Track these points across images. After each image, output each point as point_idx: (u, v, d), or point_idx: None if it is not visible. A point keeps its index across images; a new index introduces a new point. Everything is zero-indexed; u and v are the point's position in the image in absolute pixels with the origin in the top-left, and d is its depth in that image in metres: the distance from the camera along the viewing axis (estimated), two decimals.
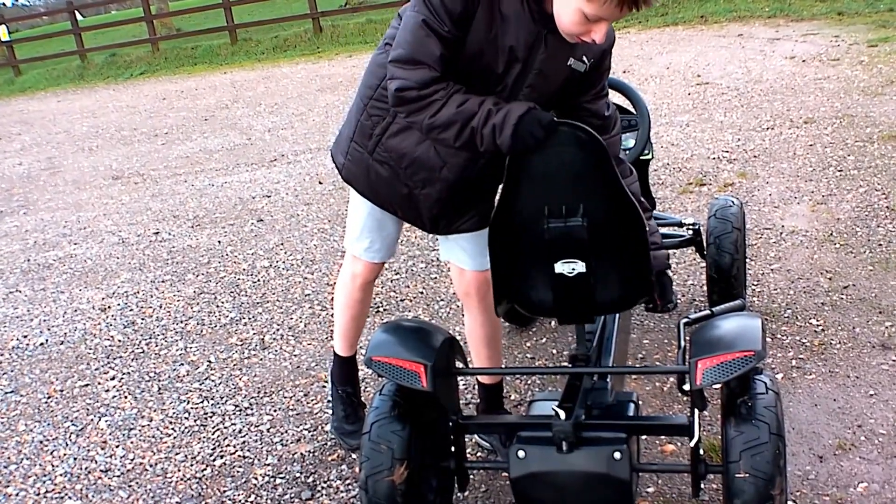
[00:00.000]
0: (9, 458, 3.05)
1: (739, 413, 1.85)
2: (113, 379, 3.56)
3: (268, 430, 3.01)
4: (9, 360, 3.88)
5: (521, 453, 2.01)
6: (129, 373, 3.59)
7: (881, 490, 2.34)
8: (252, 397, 3.26)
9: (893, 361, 2.97)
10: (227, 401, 3.26)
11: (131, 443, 3.04)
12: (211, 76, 14.42)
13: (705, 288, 3.33)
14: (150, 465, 2.89)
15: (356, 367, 2.86)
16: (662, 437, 2.66)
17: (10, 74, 18.90)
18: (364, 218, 2.47)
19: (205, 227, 5.62)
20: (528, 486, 2.02)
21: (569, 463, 1.97)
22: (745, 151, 5.67)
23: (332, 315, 3.45)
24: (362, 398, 2.90)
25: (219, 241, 5.24)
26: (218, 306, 4.20)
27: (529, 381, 3.13)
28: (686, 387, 1.93)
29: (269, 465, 2.80)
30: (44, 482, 2.87)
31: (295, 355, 3.56)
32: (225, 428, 3.07)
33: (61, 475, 2.90)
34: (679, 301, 3.59)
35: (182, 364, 3.61)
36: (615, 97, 2.91)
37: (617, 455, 1.93)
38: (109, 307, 4.37)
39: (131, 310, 4.29)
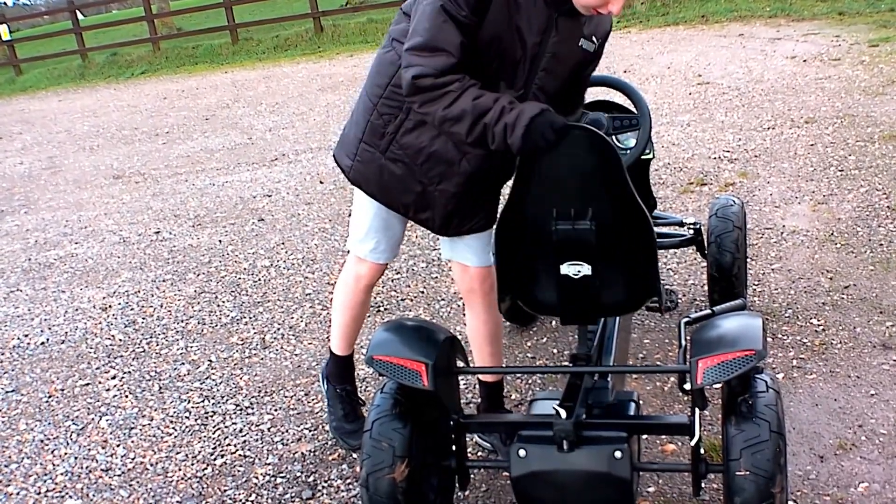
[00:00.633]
0: (10, 456, 3.05)
1: (740, 412, 1.85)
2: (114, 378, 3.56)
3: (268, 430, 3.01)
4: (10, 360, 3.88)
5: (521, 452, 2.01)
6: (129, 372, 3.60)
7: (882, 490, 2.34)
8: (253, 396, 3.26)
9: (894, 361, 2.97)
10: (227, 400, 3.26)
11: (132, 442, 3.05)
12: (212, 75, 14.42)
13: (706, 287, 3.33)
14: (151, 465, 2.89)
15: (353, 365, 2.86)
16: (663, 436, 2.66)
17: (11, 74, 18.91)
18: (371, 219, 2.47)
19: (206, 226, 5.62)
20: (528, 485, 2.02)
21: (570, 462, 1.97)
22: (746, 151, 5.67)
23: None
24: (362, 397, 2.90)
25: (220, 241, 5.24)
26: (219, 305, 4.20)
27: (530, 381, 3.13)
28: (687, 386, 1.93)
29: (269, 464, 2.80)
30: (45, 481, 2.87)
31: (296, 355, 3.57)
32: (226, 427, 3.07)
33: (62, 474, 2.90)
34: (680, 300, 3.59)
35: (183, 363, 3.62)
36: (616, 97, 2.91)
37: (618, 454, 1.93)
38: (110, 306, 4.37)
39: (132, 309, 4.29)
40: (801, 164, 5.26)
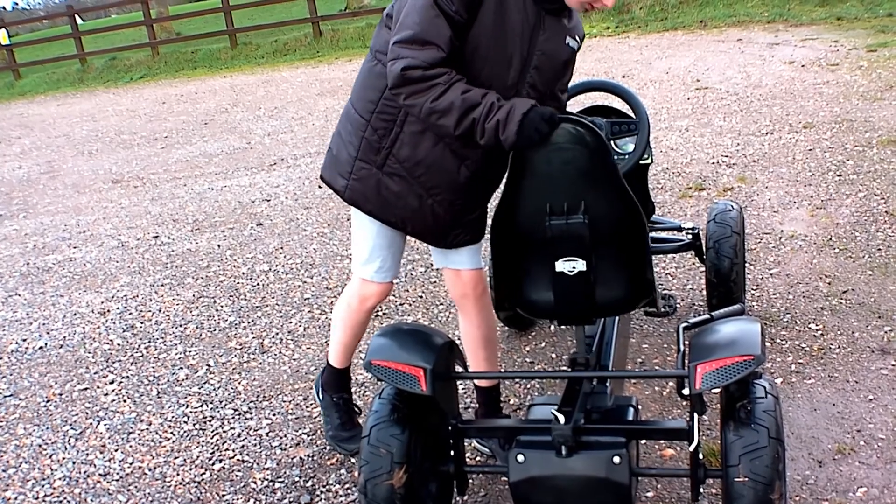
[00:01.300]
0: (7, 461, 3.05)
1: (739, 417, 1.85)
2: (112, 383, 3.55)
3: (267, 434, 3.01)
4: (8, 364, 3.88)
5: (520, 457, 2.00)
6: (128, 377, 3.59)
7: (880, 495, 2.34)
8: (251, 401, 3.26)
9: (892, 366, 2.97)
10: (226, 405, 3.26)
11: (130, 447, 3.04)
12: (211, 80, 14.43)
13: (704, 292, 3.33)
14: (149, 469, 2.88)
15: (350, 375, 2.86)
16: (662, 441, 2.66)
17: (10, 78, 18.91)
18: (373, 238, 2.44)
19: (204, 230, 5.62)
20: (527, 490, 2.02)
21: (568, 467, 1.97)
22: (745, 156, 5.68)
23: (331, 319, 3.45)
24: (361, 403, 2.90)
25: (218, 245, 5.24)
26: (217, 310, 4.20)
27: (529, 386, 3.13)
28: (685, 391, 1.93)
29: (268, 469, 2.80)
30: (42, 486, 2.87)
31: (294, 359, 3.56)
32: (224, 432, 3.06)
33: (60, 479, 2.89)
34: (678, 305, 3.59)
35: (181, 368, 3.61)
36: (615, 102, 2.92)
37: (616, 459, 1.93)
38: (108, 311, 4.37)
39: (130, 313, 4.29)
40: (799, 169, 5.27)
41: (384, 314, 3.91)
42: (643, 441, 2.62)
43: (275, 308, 4.14)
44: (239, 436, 3.02)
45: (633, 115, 2.88)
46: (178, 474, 2.84)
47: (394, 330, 2.16)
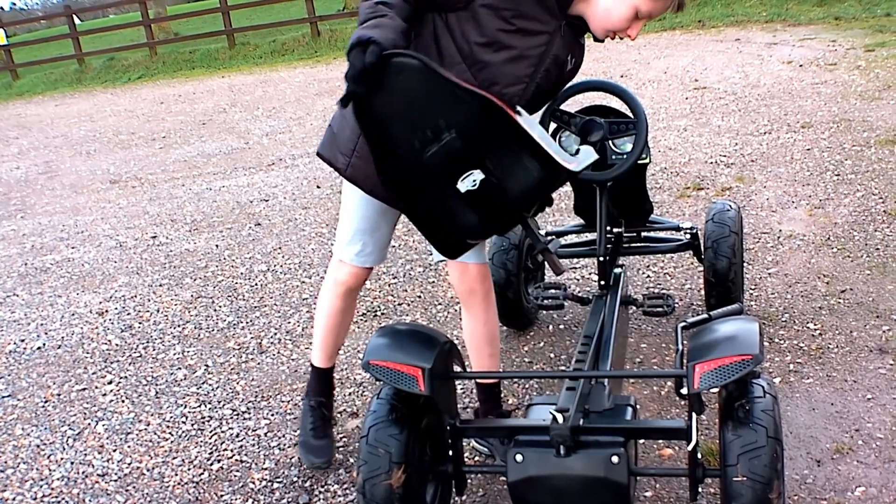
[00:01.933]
0: (6, 462, 3.04)
1: (737, 417, 1.85)
2: (110, 383, 3.55)
3: (265, 435, 3.01)
4: (6, 364, 3.87)
5: (518, 457, 2.00)
6: (126, 377, 3.59)
7: (879, 494, 2.34)
8: (249, 401, 3.26)
9: (891, 365, 2.97)
10: (224, 405, 3.26)
11: (128, 447, 3.04)
12: (209, 80, 14.43)
13: (703, 292, 3.33)
14: (148, 470, 2.88)
15: (332, 380, 2.80)
16: (660, 440, 2.66)
17: (7, 78, 18.90)
18: (358, 220, 2.43)
19: (202, 231, 5.62)
20: (525, 489, 2.01)
21: (566, 467, 1.96)
22: (743, 156, 5.68)
23: None
24: (360, 403, 2.89)
25: (216, 245, 5.24)
26: (215, 310, 4.19)
27: (527, 385, 3.13)
28: (684, 391, 1.93)
29: (266, 469, 2.80)
30: (41, 486, 2.86)
31: (292, 359, 3.56)
32: (222, 432, 3.06)
33: (58, 479, 2.89)
34: (677, 305, 3.59)
35: (179, 368, 3.61)
36: (613, 101, 2.92)
37: (615, 459, 1.93)
38: (107, 311, 4.36)
39: (129, 314, 4.29)
40: (797, 168, 5.27)
41: (382, 314, 3.91)
42: (641, 441, 2.62)
43: (273, 308, 4.14)
44: (237, 436, 3.02)
45: (631, 114, 2.88)
46: (176, 474, 2.83)
47: (392, 330, 2.16)
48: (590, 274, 4.05)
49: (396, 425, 2.02)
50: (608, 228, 2.92)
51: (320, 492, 2.64)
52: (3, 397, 3.54)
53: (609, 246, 2.81)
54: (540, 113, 2.49)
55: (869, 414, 2.71)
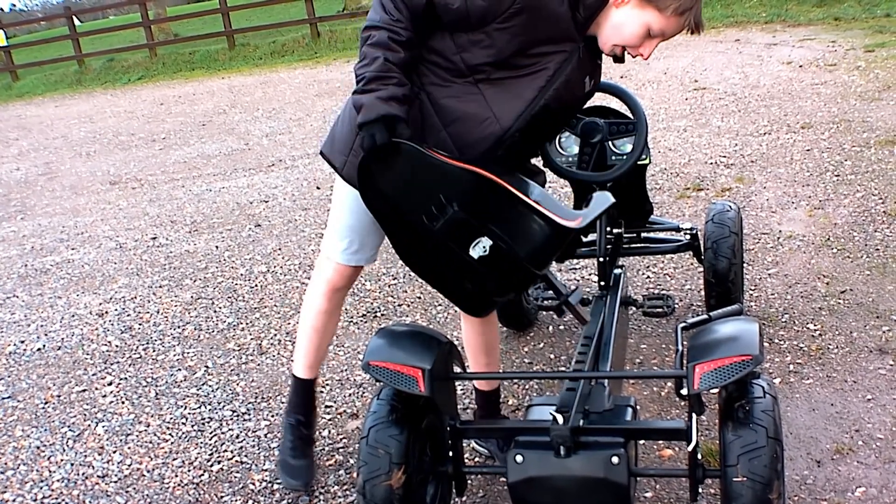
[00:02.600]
0: (6, 463, 3.04)
1: (737, 417, 1.85)
2: (110, 384, 3.55)
3: (265, 436, 3.01)
4: (6, 366, 3.87)
5: (518, 458, 2.00)
6: (126, 378, 3.59)
7: (879, 495, 2.34)
8: (249, 402, 3.26)
9: (891, 366, 2.97)
10: (224, 406, 3.26)
11: (128, 448, 3.04)
12: (209, 81, 14.43)
13: (703, 293, 3.33)
14: (148, 471, 2.88)
15: (313, 394, 2.71)
16: (660, 441, 2.66)
17: (7, 79, 18.90)
18: (347, 216, 2.39)
19: (202, 232, 5.61)
20: (525, 490, 2.01)
21: (566, 468, 1.96)
22: (743, 156, 5.68)
23: None
24: (360, 404, 2.89)
25: (216, 247, 5.24)
26: (215, 311, 4.19)
27: (527, 386, 3.13)
28: (684, 391, 1.93)
29: (266, 470, 2.80)
30: (41, 488, 2.86)
31: (293, 361, 3.55)
32: (222, 433, 3.06)
33: (58, 481, 2.89)
34: (676, 305, 3.59)
35: (179, 369, 3.61)
36: (613, 102, 2.92)
37: (615, 460, 1.93)
38: (107, 312, 4.36)
39: (129, 315, 4.29)
40: (797, 169, 5.27)
41: (382, 315, 3.91)
42: (642, 441, 2.62)
43: (273, 309, 4.14)
44: (237, 437, 3.02)
45: (630, 115, 2.88)
46: (176, 476, 2.83)
47: (392, 331, 2.16)
48: (590, 275, 4.05)
49: (396, 426, 2.02)
50: (608, 229, 2.92)
51: (320, 492, 2.63)
52: (3, 398, 3.54)
53: (609, 247, 2.81)
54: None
55: (869, 414, 2.71)
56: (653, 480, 2.50)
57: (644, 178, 3.20)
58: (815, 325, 3.31)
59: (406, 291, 4.15)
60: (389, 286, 4.23)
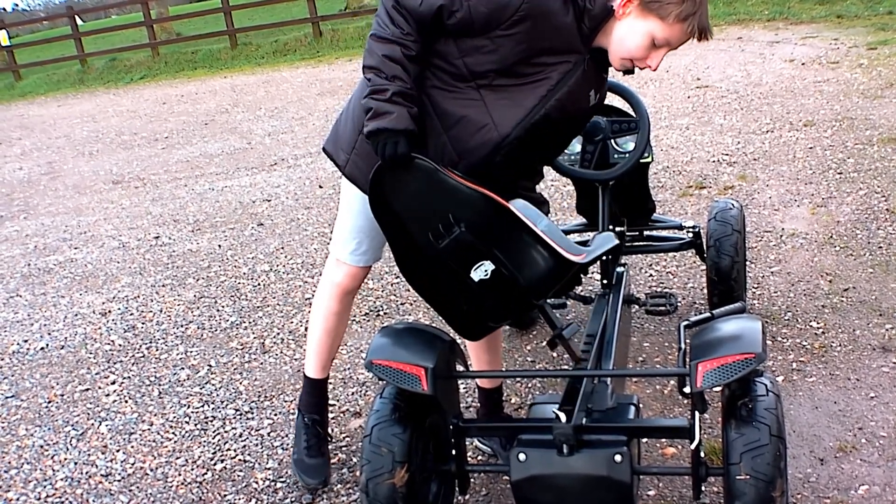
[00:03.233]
0: (9, 462, 3.05)
1: (740, 415, 1.85)
2: (113, 383, 3.56)
3: (268, 434, 3.01)
4: (9, 365, 3.88)
5: (521, 456, 2.01)
6: (129, 377, 3.59)
7: (882, 493, 2.34)
8: (253, 401, 3.26)
9: (894, 363, 2.97)
10: (227, 405, 3.26)
11: (132, 447, 3.04)
12: (211, 80, 14.44)
13: (705, 291, 3.33)
14: (151, 470, 2.89)
15: (326, 393, 2.73)
16: (663, 439, 2.66)
17: (10, 79, 18.92)
18: (355, 217, 2.41)
19: (205, 231, 5.62)
20: (528, 489, 2.02)
21: (569, 466, 1.97)
22: (745, 154, 5.68)
23: None
24: (362, 403, 2.89)
25: (219, 246, 5.24)
26: (218, 310, 4.20)
27: (530, 385, 3.13)
28: (687, 389, 1.93)
29: (269, 469, 2.80)
30: (44, 487, 2.87)
31: (295, 359, 3.56)
32: (225, 432, 3.07)
33: (62, 480, 2.90)
34: (679, 304, 3.59)
35: (182, 368, 3.61)
36: (615, 100, 2.92)
37: (618, 458, 1.93)
38: (110, 311, 4.37)
39: (132, 314, 4.29)
40: (799, 167, 5.27)
41: (385, 314, 3.91)
42: (644, 440, 2.63)
43: (276, 308, 4.14)
44: (240, 436, 3.03)
45: (633, 113, 2.88)
46: (179, 474, 2.84)
47: (395, 329, 2.16)
48: (592, 273, 4.05)
49: (399, 425, 2.02)
50: (610, 227, 2.92)
51: (323, 491, 2.64)
52: (7, 398, 3.55)
53: None
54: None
55: (872, 412, 2.71)
56: (656, 479, 2.50)
57: (646, 176, 3.20)
58: (818, 323, 3.30)
59: (409, 290, 4.15)
60: (392, 285, 4.23)
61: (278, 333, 3.84)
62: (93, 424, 3.24)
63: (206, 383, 3.45)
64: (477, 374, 2.61)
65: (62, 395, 3.51)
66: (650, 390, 2.98)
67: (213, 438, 3.03)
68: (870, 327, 3.23)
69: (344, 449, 2.84)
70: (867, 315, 3.32)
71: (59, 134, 11.06)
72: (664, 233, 3.47)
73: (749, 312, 3.35)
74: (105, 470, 2.92)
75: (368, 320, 3.86)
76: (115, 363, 3.75)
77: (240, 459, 2.88)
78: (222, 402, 3.28)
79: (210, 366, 3.60)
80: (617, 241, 2.19)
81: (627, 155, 2.84)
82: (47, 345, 4.05)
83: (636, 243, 3.39)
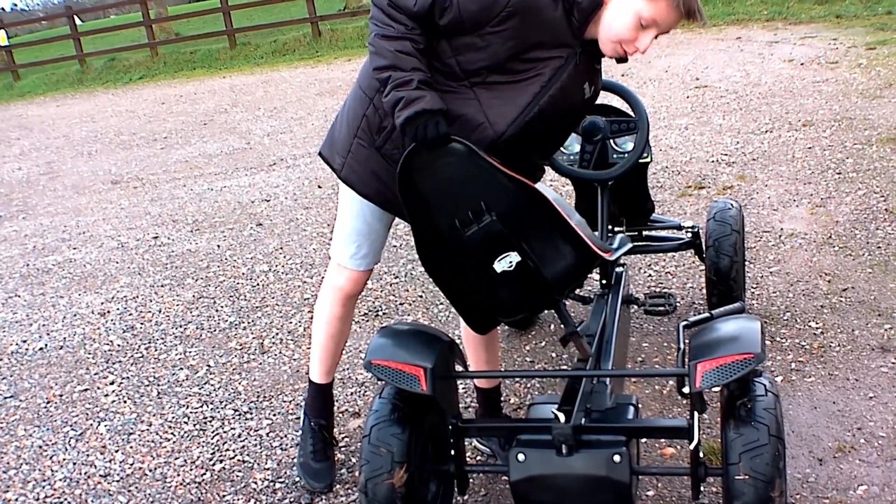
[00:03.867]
0: (8, 463, 3.05)
1: (739, 415, 1.85)
2: (112, 384, 3.55)
3: (267, 435, 3.01)
4: (8, 365, 3.88)
5: (520, 456, 2.01)
6: (128, 377, 3.59)
7: (881, 493, 2.34)
8: (251, 402, 3.26)
9: (892, 364, 2.97)
10: (226, 405, 3.26)
11: (131, 447, 3.04)
12: (210, 80, 14.43)
13: (704, 291, 3.33)
14: (150, 470, 2.88)
15: (332, 397, 2.74)
16: (662, 440, 2.66)
17: (9, 79, 18.91)
18: (353, 220, 2.41)
19: (204, 231, 5.62)
20: (527, 489, 2.02)
21: (568, 466, 1.97)
22: (744, 154, 5.68)
23: None
24: (361, 403, 2.89)
25: (218, 246, 5.24)
26: (217, 311, 4.20)
27: (529, 385, 3.13)
28: (686, 390, 1.93)
29: (268, 469, 2.80)
30: (43, 487, 2.87)
31: (294, 359, 3.56)
32: (224, 432, 3.06)
33: (61, 480, 2.90)
34: (678, 304, 3.59)
35: (181, 368, 3.61)
36: (614, 100, 2.92)
37: (616, 458, 1.93)
38: (108, 312, 4.37)
39: (130, 314, 4.29)
40: (798, 167, 5.27)
41: (384, 314, 3.91)
42: (643, 440, 2.62)
43: (275, 308, 4.14)
44: (239, 436, 3.02)
45: (632, 113, 2.88)
46: (178, 475, 2.84)
47: (394, 330, 2.16)
48: (592, 273, 4.05)
49: (398, 425, 2.02)
50: (609, 227, 2.92)
51: (322, 491, 2.63)
52: (6, 398, 3.55)
53: None
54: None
55: (871, 412, 2.71)
56: (655, 479, 2.50)
57: (645, 176, 3.20)
58: (816, 323, 3.30)
59: (408, 290, 4.15)
60: (391, 285, 4.23)
61: (277, 334, 3.84)
62: (91, 425, 3.24)
63: (204, 383, 3.45)
64: (476, 374, 2.61)
65: (61, 396, 3.51)
66: (649, 390, 2.98)
67: (212, 439, 3.03)
68: (869, 327, 3.23)
69: (343, 449, 2.83)
70: (866, 315, 3.32)
71: (57, 134, 11.06)
72: (663, 233, 3.47)
73: (748, 312, 3.35)
74: (104, 470, 2.92)
75: (367, 320, 3.86)
76: (113, 363, 3.75)
77: (238, 460, 2.88)
78: (221, 403, 3.28)
79: (209, 366, 3.60)
80: (632, 244, 2.18)
81: (626, 155, 2.84)
82: (46, 345, 4.05)
83: (635, 243, 3.39)
